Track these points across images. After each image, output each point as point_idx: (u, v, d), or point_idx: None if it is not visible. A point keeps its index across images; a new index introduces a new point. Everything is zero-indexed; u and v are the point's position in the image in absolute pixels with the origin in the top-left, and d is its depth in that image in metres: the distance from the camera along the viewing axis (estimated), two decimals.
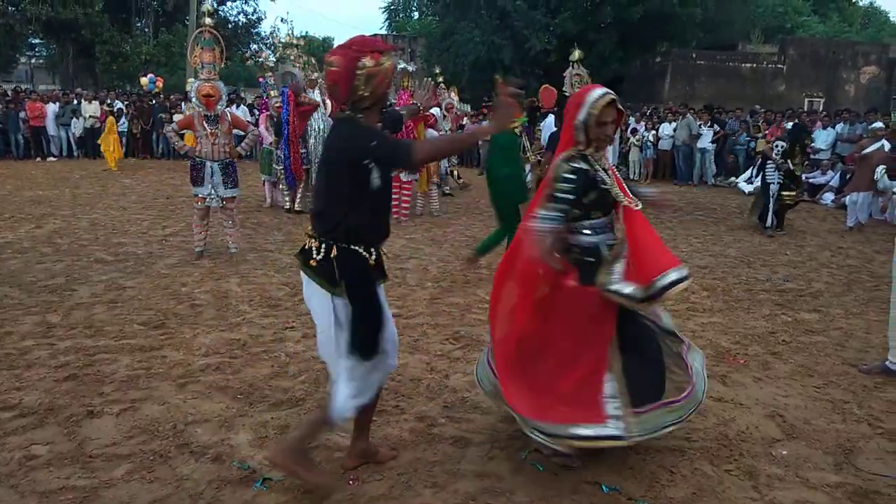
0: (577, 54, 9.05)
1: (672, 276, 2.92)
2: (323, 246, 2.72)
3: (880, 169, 9.83)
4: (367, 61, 2.58)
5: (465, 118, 16.59)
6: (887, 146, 10.15)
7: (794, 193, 9.69)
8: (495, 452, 3.32)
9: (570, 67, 9.07)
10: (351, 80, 2.60)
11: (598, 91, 3.06)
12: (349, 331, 2.75)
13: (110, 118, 15.68)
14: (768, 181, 9.61)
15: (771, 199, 9.56)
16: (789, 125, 11.53)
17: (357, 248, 2.73)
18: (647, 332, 3.21)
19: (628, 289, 2.97)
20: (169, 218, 9.58)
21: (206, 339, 4.79)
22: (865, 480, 3.17)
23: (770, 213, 9.60)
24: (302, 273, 2.84)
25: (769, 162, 9.66)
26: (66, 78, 28.55)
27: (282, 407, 3.77)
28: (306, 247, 2.78)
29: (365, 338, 2.76)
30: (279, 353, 4.57)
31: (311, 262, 2.74)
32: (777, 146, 9.53)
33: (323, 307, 2.77)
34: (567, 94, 8.83)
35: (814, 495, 3.05)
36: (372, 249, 2.78)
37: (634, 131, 16.53)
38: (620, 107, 3.12)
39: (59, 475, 3.04)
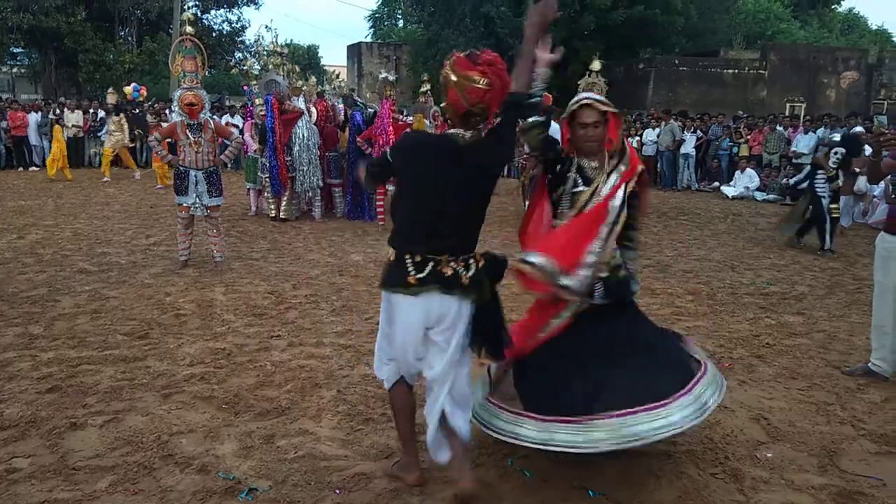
0: (596, 64, 9.26)
1: (533, 258, 2.89)
2: (471, 261, 2.75)
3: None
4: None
5: None
6: (868, 150, 10.28)
7: (837, 206, 8.95)
8: (483, 459, 3.31)
9: (587, 76, 9.22)
10: (503, 97, 2.71)
11: (579, 96, 3.18)
12: (488, 333, 2.86)
13: (56, 126, 15.36)
14: (819, 194, 8.68)
15: (828, 217, 8.66)
16: (836, 136, 10.85)
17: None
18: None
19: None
20: (153, 227, 9.51)
21: (190, 349, 4.75)
22: (849, 482, 3.20)
23: (828, 233, 8.69)
24: (438, 299, 2.71)
25: (819, 172, 8.75)
26: (49, 87, 28.31)
27: (267, 416, 3.74)
28: (446, 273, 2.70)
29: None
30: (264, 362, 4.54)
31: (463, 280, 2.71)
32: (835, 154, 8.62)
33: (464, 321, 2.78)
34: None
35: (799, 497, 3.07)
36: None
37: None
38: (610, 110, 3.08)
39: (42, 488, 3.00)
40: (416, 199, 2.80)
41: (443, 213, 2.72)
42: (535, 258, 2.85)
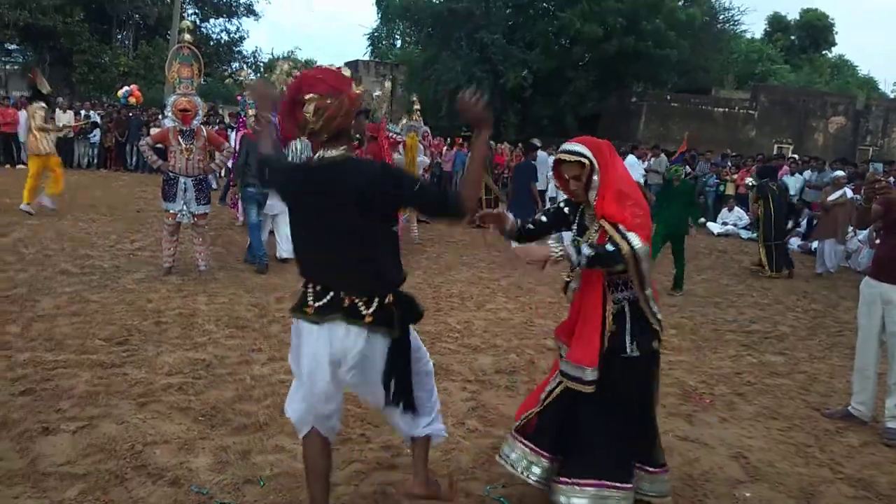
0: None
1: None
2: (375, 298, 2.49)
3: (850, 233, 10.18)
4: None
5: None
6: (849, 194, 10.42)
7: None
8: (461, 486, 3.28)
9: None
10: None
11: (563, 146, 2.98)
12: (399, 373, 2.58)
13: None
14: None
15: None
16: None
17: (402, 287, 2.61)
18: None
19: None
20: (138, 232, 9.43)
21: (169, 358, 4.69)
22: None
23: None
24: (342, 329, 2.47)
25: None
26: None
27: (244, 431, 3.69)
28: (346, 305, 2.47)
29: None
30: (244, 375, 4.48)
31: (367, 318, 2.46)
32: None
33: (380, 357, 2.53)
34: None
35: None
36: None
37: None
38: (570, 159, 2.85)
39: (8, 494, 2.92)
40: (302, 232, 2.62)
41: (328, 248, 2.51)
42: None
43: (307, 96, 2.43)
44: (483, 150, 2.57)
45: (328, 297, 2.51)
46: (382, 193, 2.45)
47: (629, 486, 2.82)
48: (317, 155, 2.54)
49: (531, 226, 3.07)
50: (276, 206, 7.63)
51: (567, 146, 2.90)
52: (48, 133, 10.36)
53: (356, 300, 2.48)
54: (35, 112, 10.11)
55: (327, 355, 2.50)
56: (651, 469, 3.00)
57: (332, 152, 2.51)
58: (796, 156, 17.89)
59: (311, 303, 2.53)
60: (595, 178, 2.83)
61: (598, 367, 2.79)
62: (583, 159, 2.83)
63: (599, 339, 2.81)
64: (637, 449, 2.95)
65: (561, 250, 2.72)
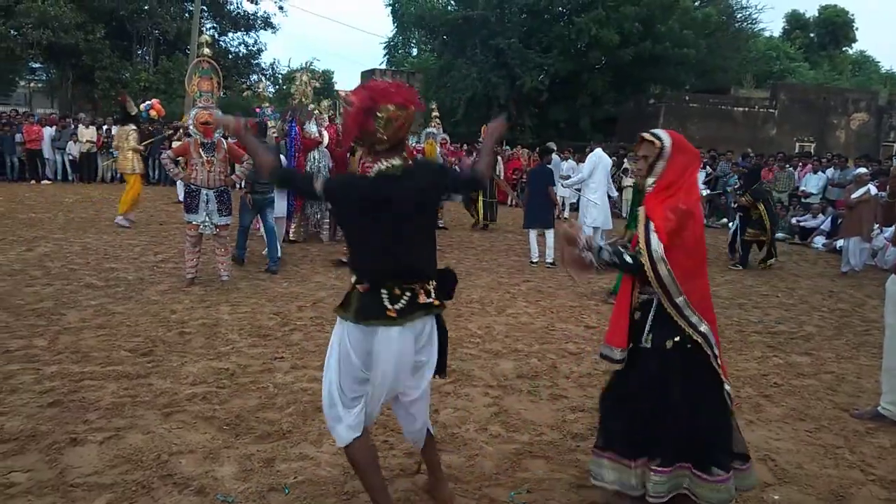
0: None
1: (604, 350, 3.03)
2: (431, 284, 2.71)
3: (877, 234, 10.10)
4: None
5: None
6: (874, 191, 10.28)
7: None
8: (485, 491, 3.27)
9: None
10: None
11: None
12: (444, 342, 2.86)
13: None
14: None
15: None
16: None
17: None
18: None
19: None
20: (161, 244, 9.54)
21: (193, 368, 4.73)
22: None
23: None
24: (421, 322, 2.67)
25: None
26: (65, 102, 28.67)
27: (268, 439, 3.71)
28: (421, 300, 2.65)
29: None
30: (267, 384, 4.51)
31: (435, 304, 2.71)
32: None
33: (434, 332, 2.79)
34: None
35: None
36: None
37: (626, 171, 16.65)
38: (648, 137, 2.95)
39: None
40: (375, 240, 2.65)
41: (407, 249, 2.63)
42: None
43: (381, 106, 2.53)
44: (493, 145, 3.01)
45: (406, 298, 2.62)
46: (445, 187, 2.78)
47: (626, 461, 2.92)
48: (381, 164, 2.62)
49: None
50: (281, 209, 9.06)
51: (654, 130, 3.04)
52: (138, 152, 11.30)
53: (426, 291, 2.66)
54: (129, 134, 11.04)
55: (412, 352, 2.66)
56: (654, 467, 2.86)
57: (396, 161, 2.62)
58: (816, 155, 17.67)
59: (389, 306, 2.61)
60: (659, 164, 2.89)
61: (626, 348, 2.93)
62: (657, 141, 2.90)
63: (627, 322, 2.93)
64: (651, 441, 2.89)
65: (584, 245, 2.89)
